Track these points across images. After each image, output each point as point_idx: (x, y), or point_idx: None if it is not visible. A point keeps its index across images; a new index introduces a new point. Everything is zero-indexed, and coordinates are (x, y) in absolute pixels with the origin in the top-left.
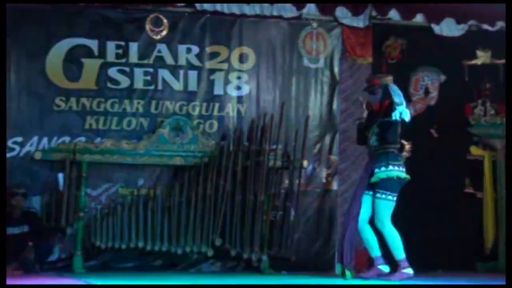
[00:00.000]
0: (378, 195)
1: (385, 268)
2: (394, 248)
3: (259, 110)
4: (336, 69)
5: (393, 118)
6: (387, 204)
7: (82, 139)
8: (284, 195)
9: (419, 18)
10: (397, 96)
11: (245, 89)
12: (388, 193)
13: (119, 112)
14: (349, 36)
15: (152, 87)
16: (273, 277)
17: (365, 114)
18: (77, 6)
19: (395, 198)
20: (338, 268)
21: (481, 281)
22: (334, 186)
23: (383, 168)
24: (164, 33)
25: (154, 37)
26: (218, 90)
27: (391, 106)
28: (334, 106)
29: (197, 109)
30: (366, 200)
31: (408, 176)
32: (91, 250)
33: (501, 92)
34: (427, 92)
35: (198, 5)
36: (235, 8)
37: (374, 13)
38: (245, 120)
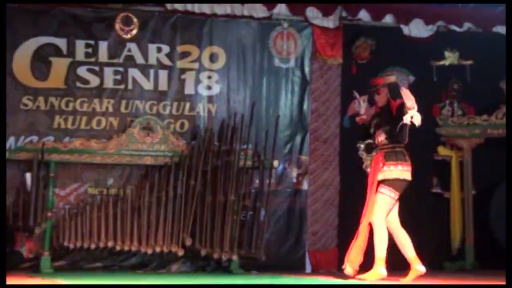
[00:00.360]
0: (382, 190)
1: (422, 268)
2: (381, 244)
3: (229, 109)
4: (306, 69)
5: (404, 121)
6: (388, 201)
7: (51, 138)
8: (254, 195)
9: (388, 19)
10: (409, 100)
11: (216, 89)
12: (392, 190)
13: (89, 112)
14: (320, 37)
15: (122, 87)
16: (243, 277)
17: (361, 110)
18: (45, 5)
19: (396, 197)
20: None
21: (448, 281)
22: (305, 186)
23: (392, 167)
24: (134, 32)
25: (124, 36)
26: (188, 90)
27: (402, 108)
28: (305, 106)
29: (168, 108)
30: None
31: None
32: (60, 250)
33: (468, 93)
34: None
35: (168, 5)
36: (205, 8)
37: (344, 14)
38: (215, 120)
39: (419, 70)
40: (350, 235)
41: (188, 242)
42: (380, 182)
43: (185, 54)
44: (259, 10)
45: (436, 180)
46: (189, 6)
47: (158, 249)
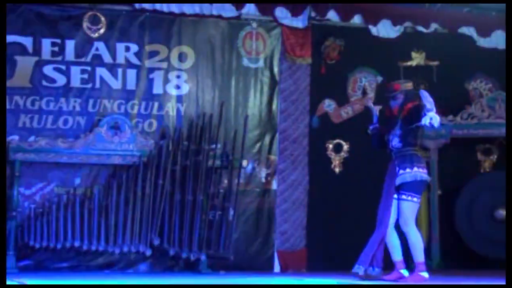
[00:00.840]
0: (404, 197)
1: (405, 273)
2: (416, 250)
3: (198, 109)
4: (275, 69)
5: (423, 123)
6: (412, 206)
7: (16, 137)
8: (223, 194)
9: (357, 19)
10: (429, 102)
11: (185, 88)
12: (413, 194)
13: (55, 111)
14: (289, 37)
15: (89, 86)
16: (211, 277)
17: (375, 119)
18: (10, 3)
19: (419, 200)
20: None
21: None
22: (274, 185)
23: (408, 170)
24: (102, 31)
25: (92, 35)
26: (157, 89)
27: (417, 110)
28: (274, 106)
29: (136, 108)
30: (393, 204)
31: (429, 178)
32: (25, 249)
33: (434, 93)
34: (364, 92)
35: (136, 4)
36: (174, 7)
37: (313, 14)
38: (184, 119)
39: (387, 70)
40: (319, 235)
41: (156, 241)
42: (399, 188)
43: (153, 54)
44: (228, 10)
45: None
46: (158, 6)
47: (125, 249)
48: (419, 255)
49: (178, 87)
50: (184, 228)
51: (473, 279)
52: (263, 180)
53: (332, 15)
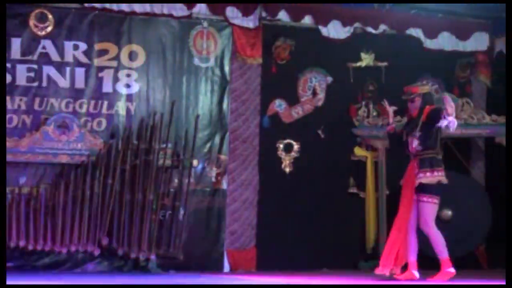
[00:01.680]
0: (425, 199)
1: (417, 274)
2: (439, 248)
3: (149, 108)
4: (226, 69)
5: (440, 125)
6: (432, 207)
7: None
8: (173, 194)
9: (307, 20)
10: (450, 107)
11: (135, 87)
12: (433, 196)
13: None
14: (240, 36)
15: (35, 84)
16: (161, 276)
17: (390, 119)
18: None
19: (438, 201)
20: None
21: (364, 280)
22: (224, 185)
23: (428, 174)
24: (49, 29)
25: (39, 33)
26: (107, 88)
27: (437, 113)
28: (224, 105)
29: (85, 106)
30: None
31: (447, 180)
32: None
33: (383, 94)
34: (314, 93)
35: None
36: (124, 6)
37: (264, 14)
38: (134, 119)
39: (337, 71)
40: (269, 234)
41: (105, 241)
42: (419, 190)
43: (103, 52)
44: (179, 9)
45: (353, 180)
46: (107, 4)
47: (73, 249)
48: (443, 253)
49: (128, 86)
50: (133, 228)
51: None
52: (213, 179)
53: (283, 16)
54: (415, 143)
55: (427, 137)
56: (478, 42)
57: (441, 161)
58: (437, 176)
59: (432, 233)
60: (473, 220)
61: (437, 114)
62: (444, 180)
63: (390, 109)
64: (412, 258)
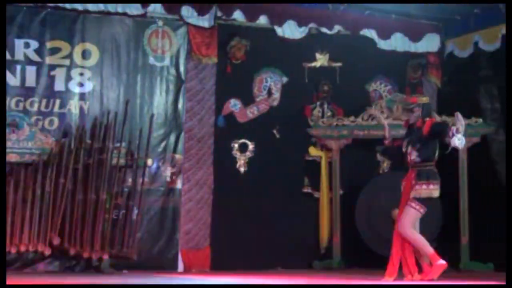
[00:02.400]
0: (413, 204)
1: (443, 261)
2: (420, 246)
3: (103, 107)
4: (181, 68)
5: (452, 144)
6: (415, 214)
7: None
8: (127, 193)
9: (262, 20)
10: (461, 125)
11: (88, 86)
12: (422, 206)
13: None
14: (195, 36)
15: None
16: (114, 276)
17: (386, 133)
18: None
19: (423, 213)
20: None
21: (318, 279)
22: (178, 185)
23: (424, 186)
24: None
25: None
26: (59, 87)
27: (442, 128)
28: (180, 105)
29: (36, 105)
30: None
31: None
32: None
33: (337, 94)
34: (270, 93)
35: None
36: (77, 4)
37: (219, 14)
38: (88, 117)
39: (292, 71)
40: (224, 234)
41: (56, 241)
42: (412, 198)
43: (55, 50)
44: (133, 8)
45: (307, 180)
46: (60, 2)
47: (23, 249)
48: (426, 249)
49: (81, 84)
50: (86, 227)
51: (372, 278)
52: (168, 179)
53: (238, 15)
54: (414, 155)
55: (427, 150)
56: (430, 43)
57: (438, 174)
58: (432, 189)
59: (409, 234)
60: (425, 221)
61: (442, 129)
62: (437, 194)
63: (386, 122)
64: (430, 249)
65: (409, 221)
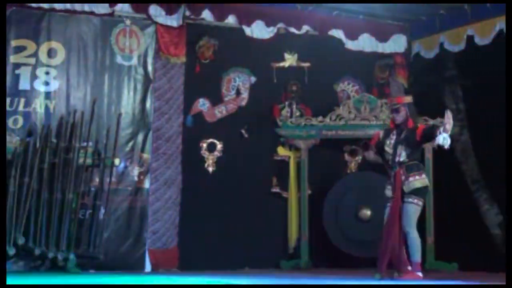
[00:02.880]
0: (411, 200)
1: (421, 274)
2: (415, 250)
3: (69, 106)
4: (149, 67)
5: (437, 142)
6: (417, 209)
7: None
8: (94, 193)
9: (231, 19)
10: (449, 124)
11: (54, 85)
12: (420, 199)
13: None
14: (163, 35)
15: None
16: (80, 276)
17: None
18: None
19: (422, 204)
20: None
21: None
22: (146, 184)
23: (417, 177)
24: None
25: None
26: (24, 85)
27: (433, 131)
28: (148, 104)
29: None
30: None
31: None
32: None
33: (306, 94)
34: (238, 92)
35: None
36: (43, 2)
37: (187, 13)
38: (53, 117)
39: (260, 71)
40: (192, 234)
41: (21, 241)
42: (407, 193)
43: (20, 49)
44: (101, 7)
45: (275, 180)
46: (26, 2)
47: None
48: (417, 256)
49: (47, 83)
50: (51, 227)
51: (341, 278)
52: (136, 178)
53: (207, 15)
54: (403, 156)
55: (417, 153)
56: (396, 44)
57: (423, 167)
58: (424, 178)
59: (413, 233)
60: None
61: (432, 132)
62: (428, 183)
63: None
64: (420, 257)
65: (414, 219)
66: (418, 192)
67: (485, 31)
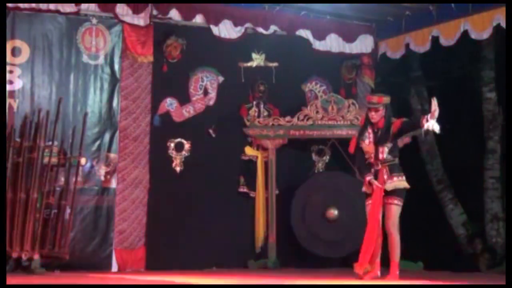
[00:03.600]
0: (396, 201)
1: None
2: (397, 251)
3: (33, 105)
4: (116, 67)
5: (425, 128)
6: (399, 210)
7: None
8: (59, 192)
9: (198, 19)
10: (436, 110)
11: (18, 84)
12: (401, 199)
13: None
14: (130, 34)
15: None
16: (44, 276)
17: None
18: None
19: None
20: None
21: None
22: (113, 184)
23: (400, 178)
24: None
25: None
26: None
27: (411, 124)
28: (114, 103)
29: None
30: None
31: None
32: None
33: (273, 94)
34: (206, 92)
35: None
36: (9, 2)
37: (155, 12)
38: (17, 116)
39: (228, 70)
40: (159, 233)
41: None
42: (390, 193)
43: None
44: (66, 5)
45: (243, 179)
46: None
47: None
48: (398, 256)
49: (10, 82)
50: (15, 227)
51: (309, 277)
52: (102, 178)
53: (174, 14)
54: (385, 153)
55: (396, 148)
56: (363, 44)
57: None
58: (403, 181)
59: (397, 234)
60: (358, 220)
61: (414, 123)
62: (407, 185)
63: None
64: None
65: (397, 219)
66: (400, 193)
67: (450, 32)
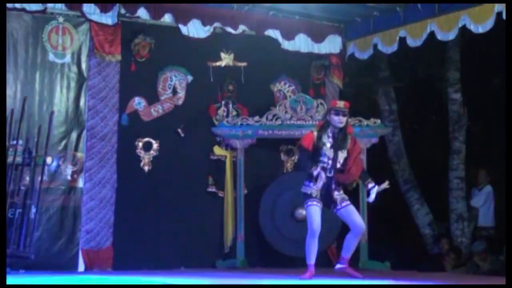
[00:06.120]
0: (349, 202)
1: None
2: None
3: None
4: (83, 65)
5: (371, 191)
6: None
7: None
8: (24, 192)
9: (167, 18)
10: (381, 189)
11: None
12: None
13: None
14: (98, 33)
15: None
16: (9, 276)
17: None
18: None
19: None
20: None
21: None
22: (80, 183)
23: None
24: None
25: None
26: None
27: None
28: (81, 102)
29: None
30: None
31: None
32: None
33: (242, 94)
34: (174, 91)
35: None
36: None
37: (123, 11)
38: None
39: (197, 70)
40: (127, 233)
41: None
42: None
43: None
44: (32, 4)
45: (212, 179)
46: None
47: None
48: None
49: None
50: None
51: (276, 277)
52: (69, 177)
53: (142, 13)
54: (342, 163)
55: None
56: (332, 45)
57: None
58: None
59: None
60: (327, 221)
61: (366, 177)
62: None
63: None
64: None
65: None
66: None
67: (417, 33)
